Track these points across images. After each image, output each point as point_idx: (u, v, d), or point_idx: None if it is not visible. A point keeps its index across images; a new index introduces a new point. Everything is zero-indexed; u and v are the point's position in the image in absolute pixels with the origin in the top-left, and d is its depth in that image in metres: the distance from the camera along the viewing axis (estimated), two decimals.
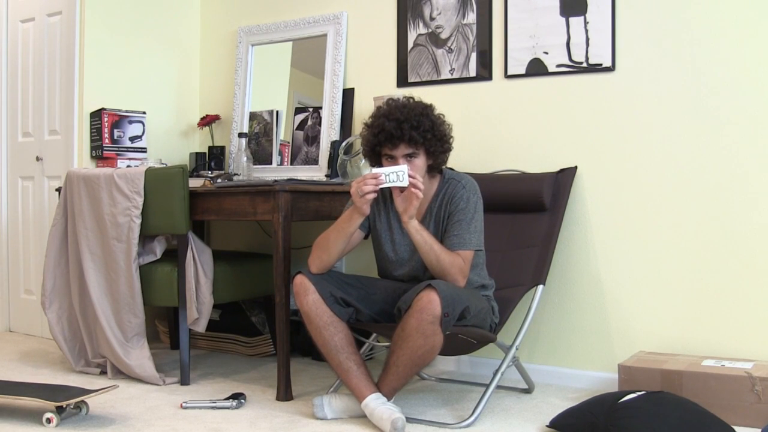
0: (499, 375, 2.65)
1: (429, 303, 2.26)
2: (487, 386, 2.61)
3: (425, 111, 2.48)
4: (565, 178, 3.00)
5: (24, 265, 4.08)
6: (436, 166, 2.55)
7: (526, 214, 2.99)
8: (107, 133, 3.58)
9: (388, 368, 2.44)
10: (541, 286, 2.82)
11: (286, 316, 2.81)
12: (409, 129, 2.41)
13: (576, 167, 3.01)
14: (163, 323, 3.88)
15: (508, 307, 2.74)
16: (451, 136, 2.56)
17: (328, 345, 2.49)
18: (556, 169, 3.04)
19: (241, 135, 3.69)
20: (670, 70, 2.88)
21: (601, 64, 3.01)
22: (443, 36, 3.39)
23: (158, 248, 3.14)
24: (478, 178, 3.13)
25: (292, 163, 3.75)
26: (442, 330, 2.29)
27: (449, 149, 2.55)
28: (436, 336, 2.30)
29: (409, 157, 2.45)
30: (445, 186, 2.58)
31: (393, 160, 2.46)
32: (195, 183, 3.25)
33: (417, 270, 2.57)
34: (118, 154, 3.61)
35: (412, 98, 2.53)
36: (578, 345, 3.05)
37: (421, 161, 2.47)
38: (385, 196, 2.58)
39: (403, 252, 2.60)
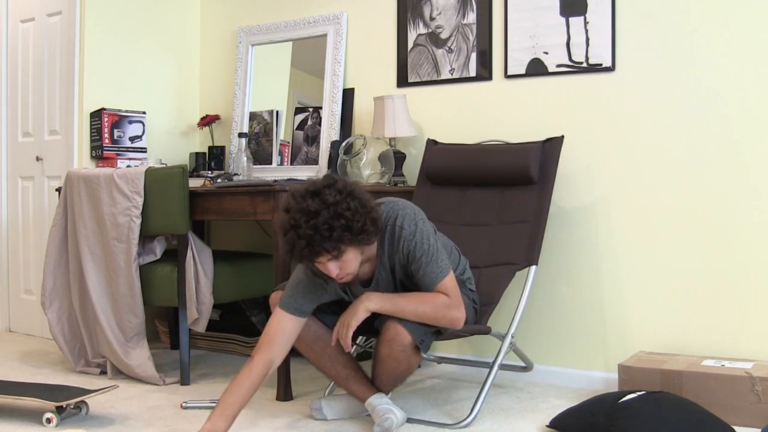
0: (495, 367, 2.63)
1: (396, 335, 2.24)
2: (487, 377, 2.60)
3: (337, 210, 2.08)
4: (551, 148, 2.93)
5: (24, 265, 4.08)
6: (370, 244, 2.23)
7: (514, 187, 2.94)
8: (107, 133, 3.58)
9: (373, 375, 2.46)
10: (534, 267, 2.78)
11: None
12: (321, 241, 2.06)
13: (563, 136, 2.94)
14: (163, 323, 3.88)
15: (499, 287, 2.71)
16: (376, 219, 2.18)
17: (321, 358, 2.47)
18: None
19: (241, 135, 3.69)
20: (670, 70, 2.88)
21: (601, 64, 3.01)
22: (443, 36, 3.39)
23: (158, 248, 3.14)
24: (463, 149, 3.11)
25: (292, 163, 3.75)
26: (417, 354, 2.29)
27: (376, 231, 2.19)
28: (411, 359, 2.30)
29: (334, 258, 2.13)
30: (384, 234, 2.28)
31: (322, 265, 2.16)
32: (195, 183, 3.25)
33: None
34: (118, 154, 3.61)
35: (326, 179, 2.17)
36: (578, 345, 3.05)
37: (351, 254, 2.15)
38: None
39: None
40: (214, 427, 2.13)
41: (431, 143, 3.22)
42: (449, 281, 2.29)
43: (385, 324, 2.27)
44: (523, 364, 2.94)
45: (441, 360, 3.15)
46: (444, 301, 2.26)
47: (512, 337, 2.71)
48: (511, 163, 2.94)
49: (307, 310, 2.33)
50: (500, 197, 2.96)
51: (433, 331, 2.31)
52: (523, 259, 2.80)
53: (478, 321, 2.60)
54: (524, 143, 3.00)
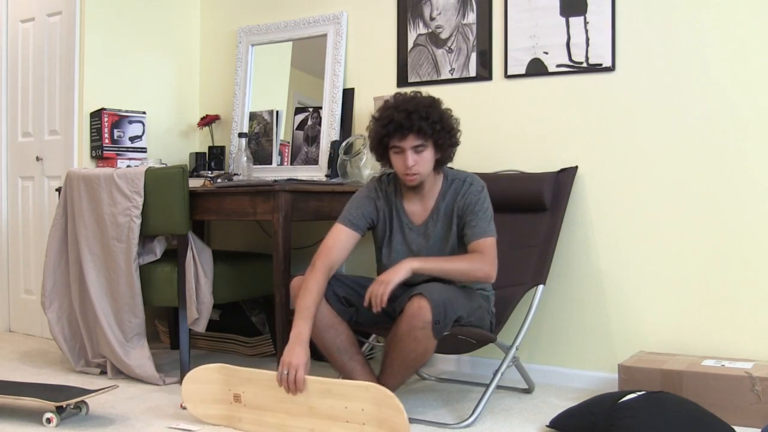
0: (499, 375, 2.65)
1: (419, 310, 2.26)
2: (487, 386, 2.62)
3: (434, 103, 2.48)
4: (565, 177, 3.00)
5: (24, 265, 4.08)
6: (442, 161, 2.53)
7: (527, 213, 2.99)
8: (107, 133, 3.58)
9: (383, 368, 2.46)
10: (541, 286, 2.82)
11: (286, 316, 2.81)
12: (418, 120, 2.40)
13: (576, 167, 3.01)
14: (163, 323, 3.88)
15: (508, 307, 2.75)
16: (459, 131, 2.54)
17: (330, 347, 2.49)
18: (557, 169, 3.04)
19: (241, 135, 3.69)
20: (670, 70, 2.88)
21: (601, 64, 3.01)
22: (443, 36, 3.39)
23: (158, 248, 3.14)
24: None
25: (292, 163, 3.75)
26: (434, 336, 2.29)
27: (456, 143, 2.54)
28: (428, 340, 2.30)
29: (417, 148, 2.43)
30: (449, 185, 2.57)
31: (401, 153, 2.45)
32: (195, 183, 3.25)
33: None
34: (118, 154, 3.61)
35: (420, 93, 2.54)
36: (578, 345, 3.05)
37: (429, 154, 2.46)
38: (390, 199, 2.60)
39: (419, 247, 2.58)
40: (300, 331, 2.35)
41: None
42: (491, 241, 2.46)
43: (409, 300, 2.30)
44: (525, 386, 2.94)
45: (441, 380, 3.15)
46: (477, 257, 2.43)
47: (516, 348, 2.72)
48: (526, 191, 3.00)
49: (359, 224, 2.56)
50: (511, 223, 3.00)
51: (453, 319, 2.33)
52: (531, 280, 2.85)
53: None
54: (539, 173, 3.04)
